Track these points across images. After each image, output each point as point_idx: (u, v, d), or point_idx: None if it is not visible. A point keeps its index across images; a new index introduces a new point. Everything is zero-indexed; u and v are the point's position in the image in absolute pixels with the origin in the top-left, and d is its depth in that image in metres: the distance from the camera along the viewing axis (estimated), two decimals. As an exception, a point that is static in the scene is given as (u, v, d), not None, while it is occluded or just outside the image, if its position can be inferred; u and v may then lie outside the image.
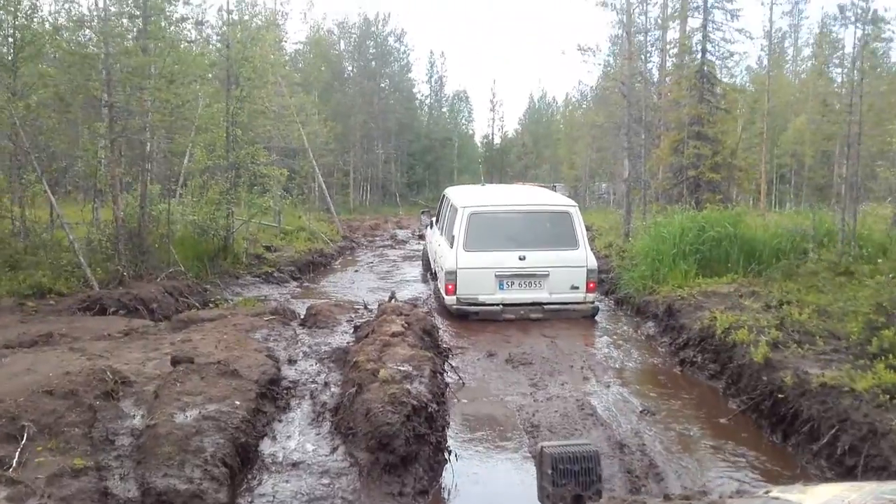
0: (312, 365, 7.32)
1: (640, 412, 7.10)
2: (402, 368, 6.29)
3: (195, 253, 13.19)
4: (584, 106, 54.97)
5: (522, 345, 9.62)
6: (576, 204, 11.89)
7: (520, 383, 8.16)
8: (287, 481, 5.04)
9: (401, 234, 25.33)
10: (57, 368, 5.86)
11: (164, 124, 11.32)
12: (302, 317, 9.35)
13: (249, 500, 4.74)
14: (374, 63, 49.69)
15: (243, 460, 5.06)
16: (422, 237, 23.33)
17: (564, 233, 11.31)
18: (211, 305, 10.26)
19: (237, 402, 5.52)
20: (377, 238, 24.04)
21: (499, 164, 58.02)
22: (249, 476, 5.04)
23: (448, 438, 6.19)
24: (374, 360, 6.39)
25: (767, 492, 1.93)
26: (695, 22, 20.49)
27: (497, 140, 62.34)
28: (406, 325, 7.72)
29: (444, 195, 14.02)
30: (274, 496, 4.81)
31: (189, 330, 7.62)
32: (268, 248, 16.27)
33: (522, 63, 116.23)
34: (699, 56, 18.49)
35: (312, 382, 6.84)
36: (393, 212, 37.88)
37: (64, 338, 7.12)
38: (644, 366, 8.93)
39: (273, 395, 6.25)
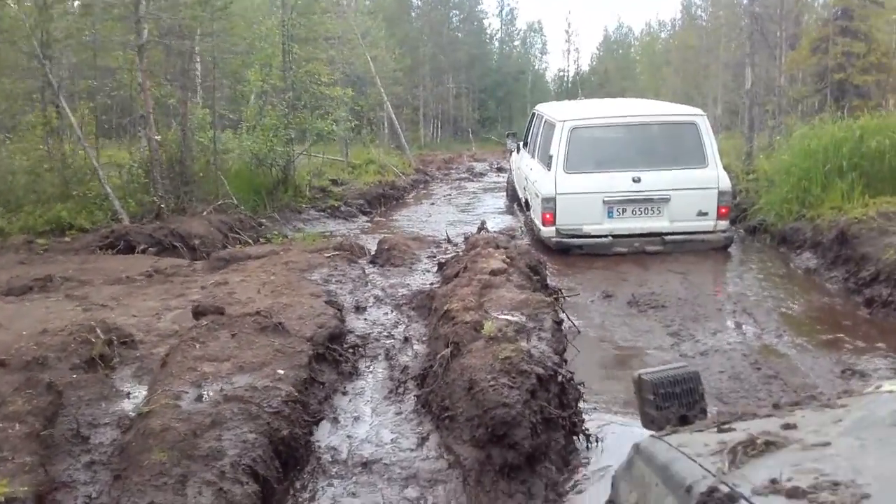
0: (387, 313, 5.55)
1: (843, 372, 5.09)
2: (513, 319, 4.42)
3: (251, 186, 11.57)
4: (666, 32, 51.74)
5: (646, 283, 7.63)
6: (703, 112, 9.66)
7: (653, 332, 6.21)
8: (354, 493, 3.30)
9: (478, 166, 23.21)
10: (37, 324, 4.22)
11: (202, 28, 9.48)
12: (372, 253, 7.57)
13: (296, 531, 3.00)
14: (442, -9, 46.86)
15: (287, 462, 3.32)
16: (500, 170, 21.36)
17: (690, 148, 9.15)
18: (262, 241, 8.60)
19: (280, 372, 3.78)
20: (452, 171, 22.02)
21: (575, 97, 54.73)
22: (297, 486, 3.31)
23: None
24: (474, 307, 4.53)
25: (878, 386, 1.86)
26: None
27: (573, 72, 59.00)
28: (508, 259, 5.84)
29: (534, 112, 11.95)
30: (334, 521, 3.06)
31: (228, 270, 5.92)
32: (334, 182, 14.53)
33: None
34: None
35: (388, 337, 5.08)
36: (465, 147, 35.70)
37: (67, 282, 5.53)
38: (815, 308, 6.83)
39: (334, 356, 4.49)
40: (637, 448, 1.76)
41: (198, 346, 3.94)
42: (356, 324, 5.25)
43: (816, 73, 15.79)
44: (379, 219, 12.93)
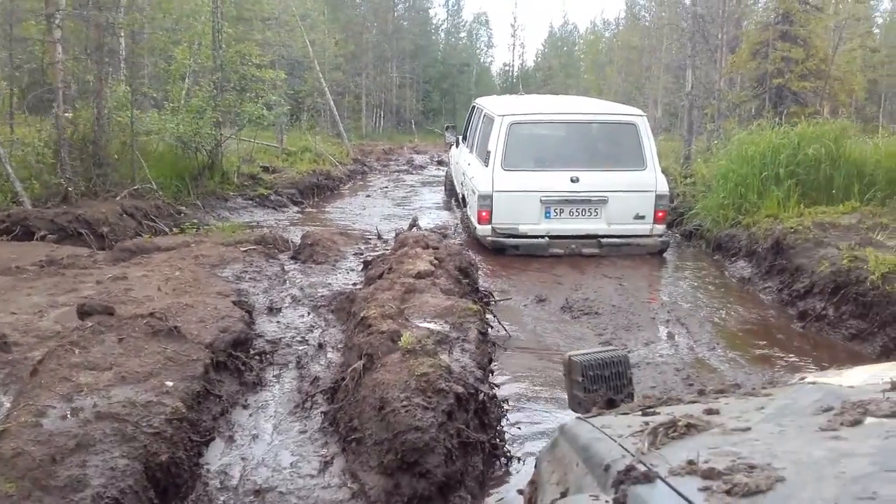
0: (303, 316, 5.16)
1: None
2: (435, 328, 4.10)
3: (175, 170, 10.93)
4: (610, 31, 52.35)
5: (581, 288, 7.42)
6: (644, 113, 9.52)
7: (585, 339, 5.99)
8: (242, 529, 2.91)
9: (418, 159, 22.76)
10: None
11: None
12: (295, 248, 7.14)
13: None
14: (387, -23, 46.12)
15: (167, 490, 2.92)
16: (441, 163, 21.01)
17: (629, 149, 9.01)
18: (175, 231, 8.05)
19: (169, 384, 3.36)
20: (392, 163, 21.57)
21: (517, 93, 54.59)
22: (176, 519, 2.91)
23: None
24: (393, 314, 4.18)
25: (803, 378, 1.95)
26: None
27: (517, 67, 59.05)
28: (436, 260, 5.51)
29: (474, 106, 11.66)
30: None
31: (131, 263, 5.43)
32: (265, 169, 13.93)
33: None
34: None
35: (301, 343, 4.69)
36: (408, 139, 35.19)
37: (-57, 273, 4.96)
38: (748, 320, 6.70)
39: (237, 364, 4.08)
40: (561, 429, 1.75)
41: (77, 351, 3.49)
42: (267, 327, 4.84)
43: (756, 77, 15.90)
44: (310, 210, 12.43)
